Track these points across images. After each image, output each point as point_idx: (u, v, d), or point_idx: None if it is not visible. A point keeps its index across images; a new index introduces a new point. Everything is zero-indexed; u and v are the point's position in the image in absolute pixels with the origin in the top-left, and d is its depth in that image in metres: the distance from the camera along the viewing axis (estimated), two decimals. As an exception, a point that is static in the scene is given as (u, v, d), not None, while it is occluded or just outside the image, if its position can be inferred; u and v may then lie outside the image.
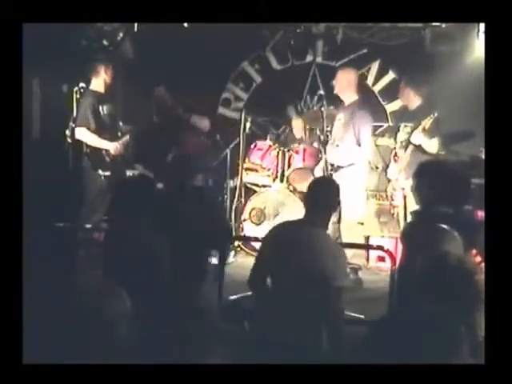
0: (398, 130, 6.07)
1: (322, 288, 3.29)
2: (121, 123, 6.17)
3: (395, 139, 6.13)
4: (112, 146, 5.99)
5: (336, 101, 6.66)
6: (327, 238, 3.61)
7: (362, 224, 5.82)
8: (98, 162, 5.97)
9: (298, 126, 7.21)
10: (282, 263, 3.42)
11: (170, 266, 3.54)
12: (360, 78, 6.55)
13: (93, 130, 5.94)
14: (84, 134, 5.92)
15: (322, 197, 3.50)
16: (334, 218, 5.67)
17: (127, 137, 6.11)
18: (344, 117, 5.91)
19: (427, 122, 5.60)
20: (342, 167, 5.78)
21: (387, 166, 6.32)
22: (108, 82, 6.11)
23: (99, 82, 6.06)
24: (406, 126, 5.94)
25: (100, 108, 5.99)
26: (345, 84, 5.97)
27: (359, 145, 5.86)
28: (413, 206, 5.90)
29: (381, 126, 7.42)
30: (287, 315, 3.35)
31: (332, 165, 5.77)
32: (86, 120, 5.92)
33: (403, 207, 6.10)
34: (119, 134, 6.11)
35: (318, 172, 6.14)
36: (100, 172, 5.97)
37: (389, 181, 6.25)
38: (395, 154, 6.03)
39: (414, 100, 5.95)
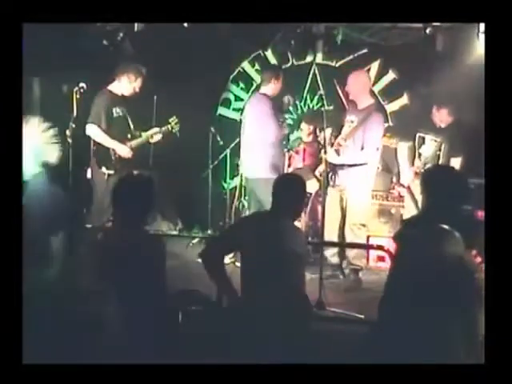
0: (424, 143, 6.00)
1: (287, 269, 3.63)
2: (132, 126, 6.16)
3: (418, 150, 6.01)
4: (121, 148, 5.99)
5: (336, 100, 6.63)
6: (290, 229, 3.90)
7: (364, 226, 5.78)
8: (103, 160, 5.97)
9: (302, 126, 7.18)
10: (248, 247, 3.73)
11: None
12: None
13: (103, 129, 5.95)
14: (94, 132, 5.93)
15: (284, 195, 3.85)
16: (333, 219, 5.68)
17: (137, 140, 6.11)
18: (357, 120, 5.64)
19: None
20: (348, 169, 5.66)
21: (398, 170, 6.24)
22: (129, 88, 6.08)
23: (121, 86, 6.05)
24: (434, 140, 5.90)
25: (113, 110, 5.99)
26: (360, 87, 5.71)
27: (369, 148, 5.66)
28: (412, 206, 5.94)
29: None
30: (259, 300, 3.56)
31: (334, 166, 5.66)
32: (98, 118, 5.92)
33: (404, 207, 6.09)
34: (129, 136, 6.10)
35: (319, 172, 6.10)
36: (104, 170, 5.96)
37: (392, 182, 6.18)
38: (419, 167, 5.95)
39: (446, 119, 5.94)
